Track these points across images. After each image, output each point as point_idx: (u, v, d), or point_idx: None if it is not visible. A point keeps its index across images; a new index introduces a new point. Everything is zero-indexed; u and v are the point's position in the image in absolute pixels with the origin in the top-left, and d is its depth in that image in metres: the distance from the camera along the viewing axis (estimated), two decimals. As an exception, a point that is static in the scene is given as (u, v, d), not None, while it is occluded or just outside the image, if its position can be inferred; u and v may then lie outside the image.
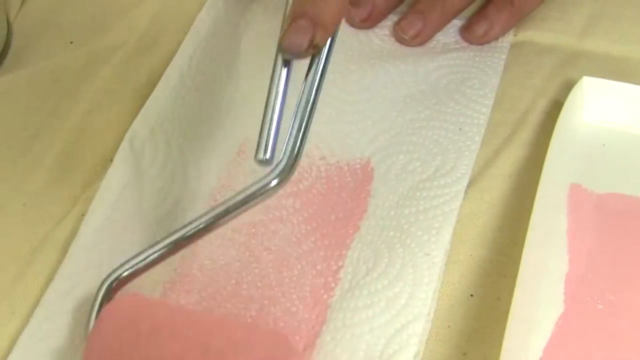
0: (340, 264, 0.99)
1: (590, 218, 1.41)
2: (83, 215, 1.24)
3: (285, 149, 0.83)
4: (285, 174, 0.81)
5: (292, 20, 0.85)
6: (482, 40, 1.46)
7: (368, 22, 1.44)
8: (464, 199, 1.30)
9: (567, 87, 1.50)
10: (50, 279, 1.15)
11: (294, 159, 0.83)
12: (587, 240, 1.40)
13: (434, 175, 1.24)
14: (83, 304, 1.02)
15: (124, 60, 1.57)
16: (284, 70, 0.87)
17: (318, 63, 1.05)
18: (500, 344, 1.13)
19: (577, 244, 1.41)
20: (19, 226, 1.27)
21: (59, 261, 1.17)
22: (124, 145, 1.24)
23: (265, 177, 0.81)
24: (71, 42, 1.64)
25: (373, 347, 0.92)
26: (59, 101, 1.53)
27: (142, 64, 1.55)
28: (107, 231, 0.98)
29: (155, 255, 0.86)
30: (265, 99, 0.96)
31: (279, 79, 0.86)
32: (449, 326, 1.19)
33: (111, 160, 1.31)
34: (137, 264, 0.87)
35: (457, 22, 1.50)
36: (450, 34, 1.45)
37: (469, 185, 1.32)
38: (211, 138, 1.34)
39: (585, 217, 1.41)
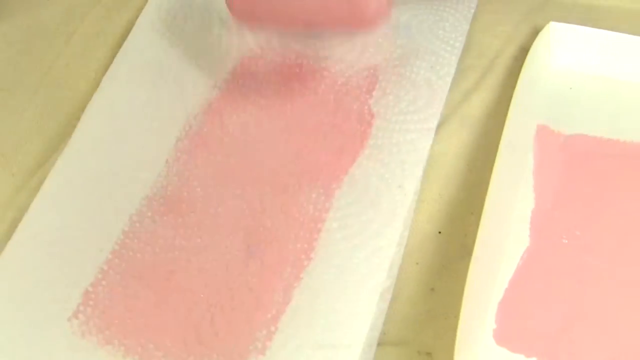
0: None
1: (556, 157, 1.46)
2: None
3: None
4: None
5: None
6: None
7: None
8: (433, 140, 1.34)
9: (535, 33, 1.54)
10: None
11: None
12: (553, 178, 1.45)
13: (406, 109, 1.28)
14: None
15: (101, 14, 1.59)
16: None
17: None
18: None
19: (543, 182, 1.46)
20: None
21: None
22: (97, 97, 1.28)
23: None
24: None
25: (347, 267, 0.97)
26: (36, 56, 1.55)
27: (120, 17, 1.57)
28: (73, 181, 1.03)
29: None
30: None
31: None
32: (417, 263, 1.23)
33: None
34: None
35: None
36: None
37: (438, 127, 1.36)
38: (182, 84, 1.37)
39: (552, 156, 1.46)
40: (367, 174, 1.06)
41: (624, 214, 1.45)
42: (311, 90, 1.17)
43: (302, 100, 1.17)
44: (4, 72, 1.45)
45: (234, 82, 1.21)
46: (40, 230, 1.01)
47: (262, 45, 1.20)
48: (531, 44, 1.44)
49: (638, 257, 1.44)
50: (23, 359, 1.00)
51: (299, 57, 1.21)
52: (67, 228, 1.01)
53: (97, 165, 1.07)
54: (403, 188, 1.04)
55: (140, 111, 1.14)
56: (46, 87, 1.44)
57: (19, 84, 1.46)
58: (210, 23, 1.35)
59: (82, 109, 1.38)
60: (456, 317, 1.09)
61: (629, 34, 1.43)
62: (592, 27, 1.41)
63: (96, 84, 1.39)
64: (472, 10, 1.40)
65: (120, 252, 1.00)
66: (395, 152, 1.08)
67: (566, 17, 1.47)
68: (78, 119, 1.35)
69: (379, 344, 1.05)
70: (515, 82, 1.45)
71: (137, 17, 1.50)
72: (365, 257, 0.98)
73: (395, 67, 1.19)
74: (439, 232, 1.23)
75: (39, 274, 1.04)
